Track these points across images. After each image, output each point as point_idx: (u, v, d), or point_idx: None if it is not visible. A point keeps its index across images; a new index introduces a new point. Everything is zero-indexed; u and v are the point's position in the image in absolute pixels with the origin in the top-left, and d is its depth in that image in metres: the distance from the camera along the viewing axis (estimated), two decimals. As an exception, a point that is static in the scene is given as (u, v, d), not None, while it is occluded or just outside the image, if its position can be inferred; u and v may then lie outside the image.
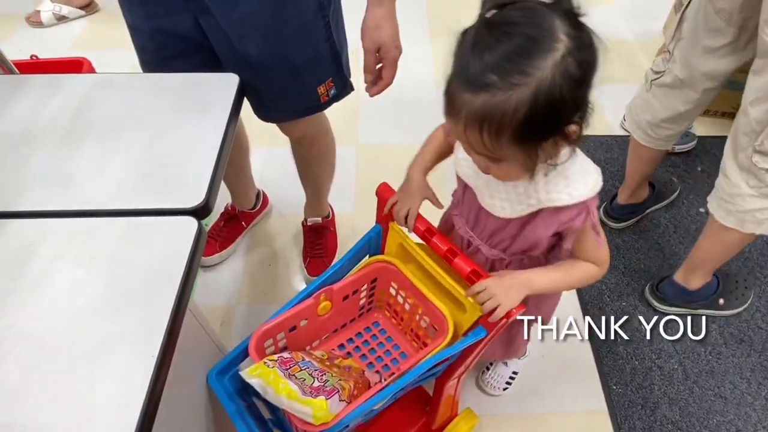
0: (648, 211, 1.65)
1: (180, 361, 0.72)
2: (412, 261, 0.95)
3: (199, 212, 0.74)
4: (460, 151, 0.81)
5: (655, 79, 1.34)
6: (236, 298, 1.49)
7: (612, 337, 1.37)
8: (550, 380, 1.34)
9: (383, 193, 0.93)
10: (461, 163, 0.81)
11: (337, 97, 1.09)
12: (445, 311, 0.88)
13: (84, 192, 0.74)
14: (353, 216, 1.67)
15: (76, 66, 1.35)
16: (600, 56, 0.62)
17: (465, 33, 0.64)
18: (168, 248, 0.69)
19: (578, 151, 0.72)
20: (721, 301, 1.40)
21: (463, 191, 0.85)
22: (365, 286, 0.99)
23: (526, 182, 0.74)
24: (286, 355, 0.82)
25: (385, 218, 0.96)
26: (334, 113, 1.97)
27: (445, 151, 0.92)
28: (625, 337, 1.38)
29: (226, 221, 1.56)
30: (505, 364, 1.30)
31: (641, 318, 1.43)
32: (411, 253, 0.93)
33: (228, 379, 0.86)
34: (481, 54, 0.60)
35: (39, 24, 2.31)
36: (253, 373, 0.76)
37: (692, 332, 1.38)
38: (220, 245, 1.53)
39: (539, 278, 0.82)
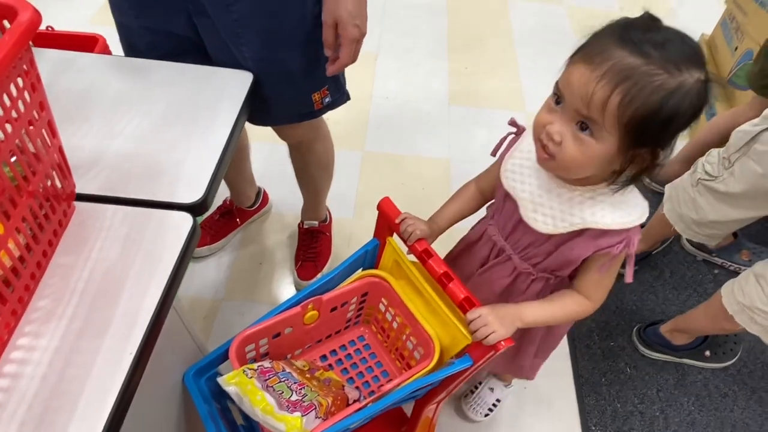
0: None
1: (157, 357, 0.71)
2: (405, 279, 0.93)
3: (196, 209, 0.73)
4: (508, 162, 0.82)
5: (706, 180, 1.25)
6: (222, 292, 1.47)
7: (596, 377, 1.38)
8: (529, 414, 1.33)
9: (385, 207, 0.92)
10: (507, 174, 0.81)
11: (332, 105, 1.07)
12: (432, 335, 0.87)
13: (78, 176, 0.72)
14: (351, 223, 1.65)
15: (90, 42, 1.33)
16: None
17: (623, 18, 0.66)
18: (159, 243, 0.67)
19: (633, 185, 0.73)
20: (707, 353, 1.39)
21: (503, 202, 0.84)
22: (355, 299, 0.98)
23: (573, 198, 0.74)
24: (266, 364, 0.81)
25: (383, 233, 0.95)
26: (342, 118, 1.97)
27: (473, 208, 0.95)
28: (609, 379, 1.38)
29: (222, 215, 1.54)
30: (491, 389, 1.28)
31: (627, 360, 1.43)
32: (405, 271, 0.92)
33: (204, 380, 0.84)
34: (648, 30, 0.63)
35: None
36: (230, 381, 0.75)
37: (675, 380, 1.38)
38: (211, 238, 1.51)
39: (531, 312, 0.81)
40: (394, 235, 0.92)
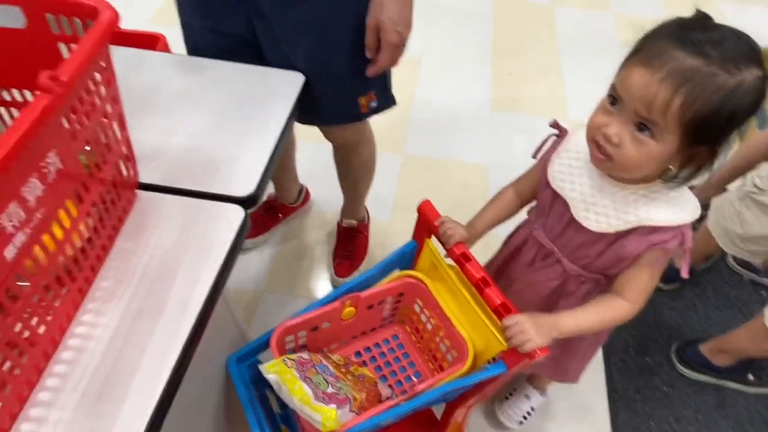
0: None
1: (204, 342, 0.75)
2: (441, 282, 0.94)
3: (247, 202, 0.76)
4: (555, 163, 0.83)
5: (754, 194, 1.22)
6: (263, 285, 1.52)
7: (630, 393, 1.35)
8: (560, 426, 1.31)
9: (425, 209, 0.93)
10: (556, 175, 0.82)
11: (378, 110, 1.10)
12: (466, 338, 0.88)
13: (141, 166, 0.77)
14: (388, 225, 1.67)
15: (151, 41, 1.40)
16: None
17: (675, 18, 0.67)
18: (212, 233, 0.71)
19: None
20: (751, 377, 1.34)
21: (551, 204, 0.84)
22: (391, 299, 1.00)
23: (626, 196, 0.75)
24: (305, 356, 0.83)
25: (421, 235, 0.96)
26: (383, 120, 1.98)
27: (511, 212, 0.96)
28: (644, 395, 1.35)
29: (266, 210, 1.59)
30: (527, 397, 1.28)
31: (663, 378, 1.39)
32: (441, 274, 0.93)
33: (246, 367, 0.88)
34: (704, 29, 0.63)
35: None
36: (271, 369, 0.77)
37: (715, 403, 1.34)
38: (254, 232, 1.56)
39: (568, 321, 0.81)
40: (432, 237, 0.94)
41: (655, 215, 0.73)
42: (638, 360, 1.42)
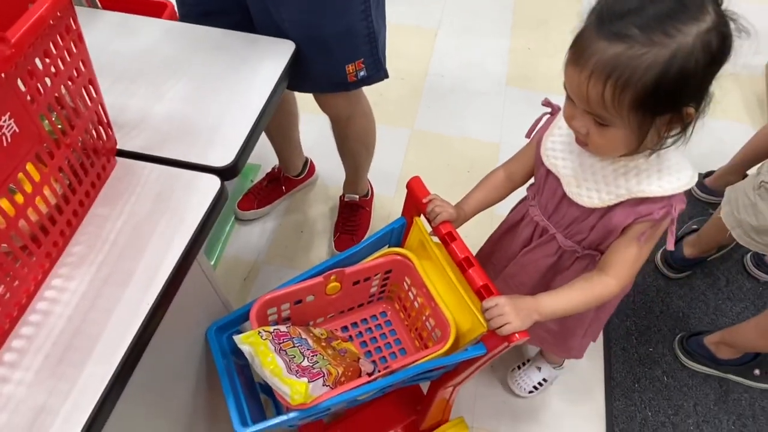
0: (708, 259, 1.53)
1: (182, 311, 0.76)
2: (430, 261, 0.93)
3: (225, 173, 0.75)
4: (548, 140, 0.82)
5: None
6: (263, 256, 1.53)
7: (628, 382, 1.32)
8: (554, 408, 1.30)
9: (414, 186, 0.92)
10: (548, 153, 0.82)
11: (368, 80, 1.07)
12: (449, 319, 0.87)
13: (123, 133, 0.77)
14: (392, 200, 1.66)
15: (158, 8, 1.39)
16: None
17: None
18: (186, 203, 0.71)
19: (679, 148, 0.71)
20: (757, 371, 1.30)
21: (545, 180, 0.84)
22: (378, 276, 0.99)
23: (617, 170, 0.74)
24: (282, 328, 0.83)
25: (410, 211, 0.94)
26: (394, 94, 1.97)
27: (500, 195, 0.95)
28: (643, 385, 1.32)
29: (269, 182, 1.59)
30: (538, 368, 1.28)
31: (665, 369, 1.36)
32: (429, 253, 0.91)
33: (226, 337, 0.88)
34: (626, 10, 0.60)
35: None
36: (245, 341, 0.77)
37: (716, 396, 1.30)
38: (258, 203, 1.57)
39: (548, 303, 0.80)
40: (422, 215, 0.92)
41: (646, 186, 0.72)
42: (640, 349, 1.39)
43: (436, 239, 0.90)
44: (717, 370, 1.32)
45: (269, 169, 1.63)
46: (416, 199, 0.90)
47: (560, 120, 0.81)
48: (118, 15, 0.98)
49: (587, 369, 1.35)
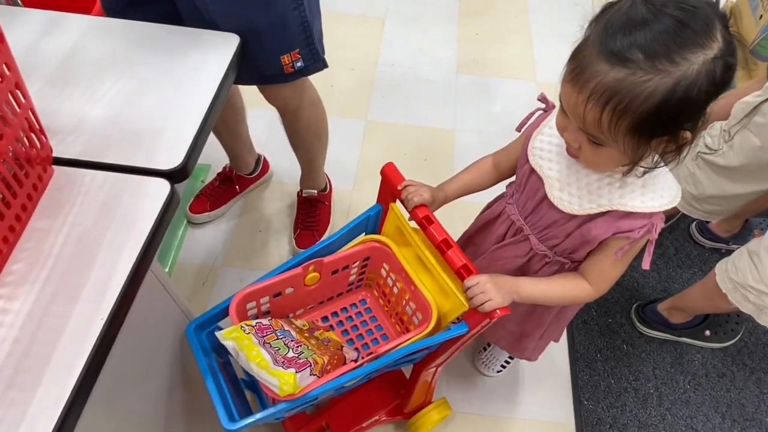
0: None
1: (141, 323, 0.72)
2: (407, 246, 0.94)
3: (175, 176, 0.72)
4: (536, 139, 0.80)
5: (705, 154, 1.20)
6: (221, 259, 1.48)
7: (591, 353, 1.37)
8: (522, 386, 1.33)
9: (388, 172, 0.91)
10: (535, 152, 0.80)
11: (305, 71, 1.05)
12: (430, 300, 0.88)
13: (58, 140, 0.72)
14: (351, 193, 1.64)
15: (87, 4, 1.31)
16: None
17: (613, 4, 0.61)
18: (135, 209, 0.67)
19: (666, 168, 0.71)
20: (707, 332, 1.37)
21: (527, 179, 0.82)
22: (357, 263, 0.99)
23: (602, 180, 0.73)
24: (265, 322, 0.82)
25: (386, 198, 0.95)
26: (345, 86, 1.95)
27: (485, 182, 0.94)
28: (605, 355, 1.37)
29: (222, 182, 1.54)
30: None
31: (624, 337, 1.41)
32: (407, 238, 0.92)
33: (206, 334, 0.87)
34: (632, 29, 0.57)
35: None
36: (228, 336, 0.76)
37: (672, 359, 1.37)
38: (210, 205, 1.52)
39: (529, 286, 0.81)
40: (398, 201, 0.92)
41: (629, 200, 0.71)
42: (600, 321, 1.44)
43: (414, 225, 0.90)
44: (671, 335, 1.39)
45: (220, 169, 1.58)
46: (391, 186, 0.90)
47: (552, 119, 0.79)
48: (43, 13, 0.92)
49: (552, 344, 1.39)
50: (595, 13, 0.63)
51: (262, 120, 1.55)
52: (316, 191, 1.50)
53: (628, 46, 0.57)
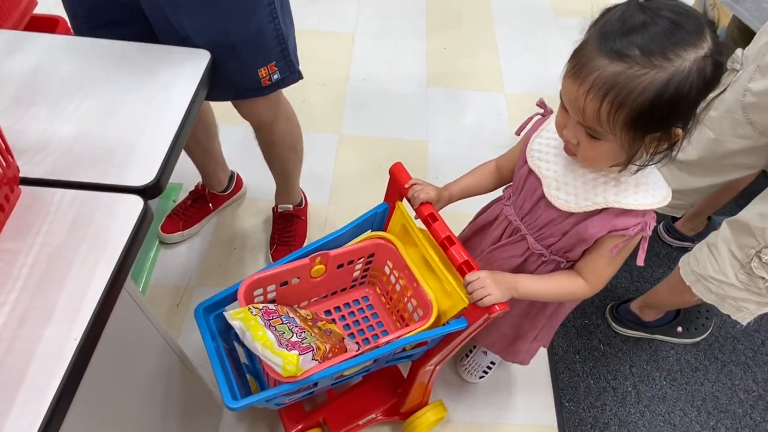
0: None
1: (116, 345, 0.70)
2: (412, 245, 0.96)
3: (147, 192, 0.71)
4: (534, 141, 0.84)
5: None
6: (195, 279, 1.46)
7: (570, 354, 1.39)
8: (504, 390, 1.34)
9: (396, 172, 0.94)
10: (534, 153, 0.83)
11: (282, 83, 1.06)
12: (431, 296, 0.89)
13: (25, 160, 0.70)
14: (327, 206, 1.64)
15: (50, 24, 1.29)
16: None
17: (611, 9, 0.66)
18: (107, 227, 0.66)
19: (656, 168, 0.75)
20: (679, 329, 1.41)
21: (525, 180, 0.85)
22: (362, 259, 1.01)
23: (597, 179, 0.76)
24: (271, 306, 0.85)
25: (393, 196, 0.97)
26: (318, 100, 1.96)
27: (488, 184, 0.97)
28: (583, 356, 1.39)
29: (194, 200, 1.52)
30: (484, 352, 1.31)
31: (601, 338, 1.44)
32: (412, 237, 0.94)
33: (213, 317, 0.88)
34: (629, 29, 0.62)
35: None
36: (236, 316, 0.78)
37: (647, 356, 1.40)
38: (183, 224, 1.49)
39: (527, 283, 0.84)
40: (404, 200, 0.95)
41: (622, 198, 0.74)
42: (576, 322, 1.46)
43: (421, 225, 0.92)
44: (645, 332, 1.42)
45: (192, 188, 1.56)
46: (398, 184, 0.93)
47: (550, 123, 0.83)
48: (6, 32, 0.90)
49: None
50: (594, 17, 0.67)
51: (234, 136, 1.54)
52: (291, 206, 1.50)
53: (626, 42, 0.61)
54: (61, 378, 0.54)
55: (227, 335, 0.90)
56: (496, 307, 0.78)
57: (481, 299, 0.78)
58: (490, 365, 1.31)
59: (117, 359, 0.75)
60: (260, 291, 0.91)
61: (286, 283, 0.94)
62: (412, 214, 0.93)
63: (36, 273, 0.61)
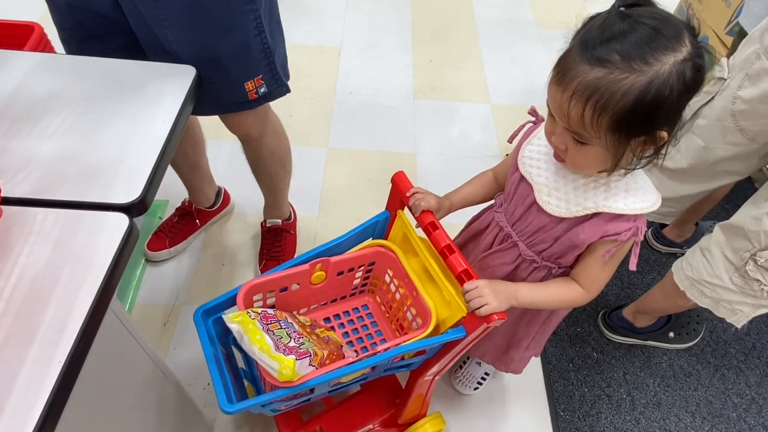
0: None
1: (104, 366, 0.69)
2: (413, 254, 0.96)
3: (133, 209, 0.70)
4: (526, 149, 0.85)
5: None
6: (183, 296, 1.43)
7: (563, 363, 1.38)
8: (499, 401, 1.33)
9: (398, 180, 0.95)
10: (525, 160, 0.84)
11: (269, 96, 1.05)
12: (431, 305, 0.89)
13: (6, 179, 0.69)
14: (316, 220, 1.63)
15: (25, 31, 1.26)
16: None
17: (593, 18, 0.67)
18: (92, 246, 0.64)
19: (644, 173, 0.77)
20: (671, 334, 1.41)
21: (516, 187, 0.86)
22: (362, 267, 1.00)
23: (587, 184, 0.76)
24: (270, 311, 0.84)
25: (394, 205, 0.97)
26: (305, 114, 1.96)
27: (486, 193, 0.98)
28: (576, 364, 1.39)
29: (180, 217, 1.50)
30: (478, 363, 1.30)
31: (594, 345, 1.44)
32: (412, 246, 0.94)
33: (212, 321, 0.88)
34: (610, 36, 0.63)
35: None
36: (234, 319, 0.78)
37: (641, 363, 1.40)
38: (170, 241, 1.47)
39: (526, 292, 0.84)
40: (405, 209, 0.95)
41: (612, 203, 0.75)
42: (569, 331, 1.46)
43: (422, 233, 0.92)
44: (638, 339, 1.42)
45: (179, 204, 1.55)
46: (400, 193, 0.93)
47: (541, 131, 0.83)
48: (-13, 51, 0.89)
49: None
50: (577, 27, 0.69)
51: (222, 151, 1.53)
52: (280, 220, 1.48)
53: (606, 49, 0.63)
54: (46, 401, 0.53)
55: (225, 340, 0.90)
56: (495, 316, 0.78)
57: (478, 308, 0.78)
58: (485, 376, 1.31)
59: (103, 381, 0.73)
60: (260, 296, 0.91)
61: (285, 289, 0.94)
62: (414, 222, 0.94)
63: (19, 295, 0.60)
